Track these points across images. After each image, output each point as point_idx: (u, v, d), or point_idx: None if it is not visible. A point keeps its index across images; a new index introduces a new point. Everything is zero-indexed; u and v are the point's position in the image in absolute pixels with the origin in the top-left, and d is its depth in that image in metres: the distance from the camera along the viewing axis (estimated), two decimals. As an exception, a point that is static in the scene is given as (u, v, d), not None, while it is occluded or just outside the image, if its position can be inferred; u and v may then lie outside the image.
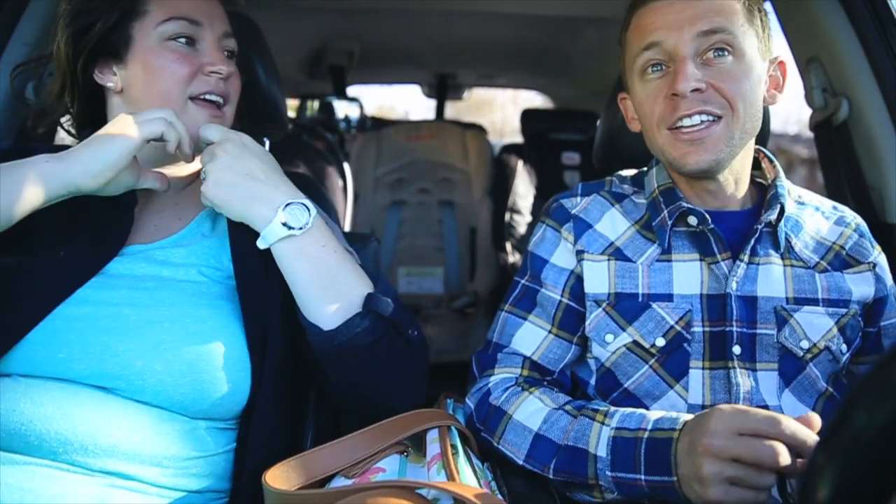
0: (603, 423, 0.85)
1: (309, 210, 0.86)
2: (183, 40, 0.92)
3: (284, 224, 0.84)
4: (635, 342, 0.93)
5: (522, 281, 1.03)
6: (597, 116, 3.24)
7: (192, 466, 0.83)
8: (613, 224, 1.00)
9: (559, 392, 0.97)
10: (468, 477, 0.74)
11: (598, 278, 0.96)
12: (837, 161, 1.35)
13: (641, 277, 0.95)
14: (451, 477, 0.72)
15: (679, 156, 0.91)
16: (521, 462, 0.89)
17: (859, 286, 0.96)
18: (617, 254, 0.97)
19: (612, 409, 0.88)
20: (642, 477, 0.80)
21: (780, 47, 1.32)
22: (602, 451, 0.83)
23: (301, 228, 0.85)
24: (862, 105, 1.27)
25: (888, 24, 1.22)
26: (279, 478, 0.76)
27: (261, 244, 0.85)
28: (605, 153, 1.33)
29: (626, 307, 0.94)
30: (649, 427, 0.81)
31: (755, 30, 0.91)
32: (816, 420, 0.71)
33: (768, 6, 1.41)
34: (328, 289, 0.85)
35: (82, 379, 0.79)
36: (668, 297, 0.93)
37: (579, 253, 0.98)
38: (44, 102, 0.98)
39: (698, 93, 0.88)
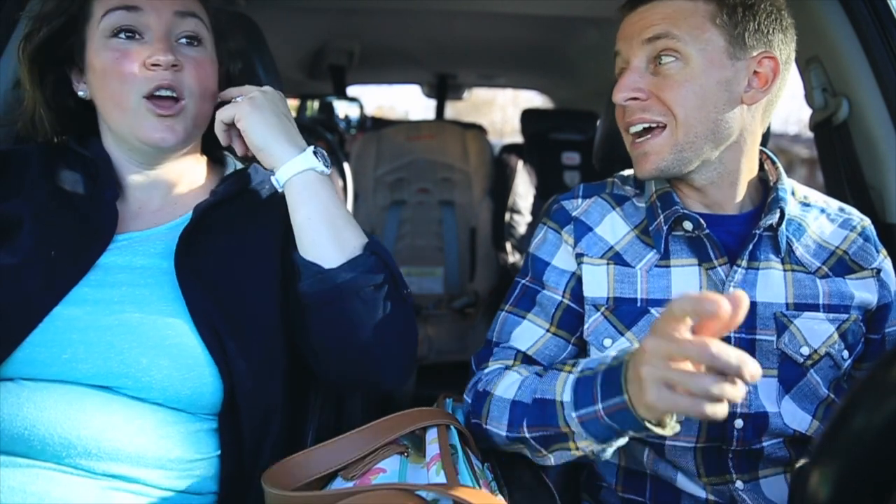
0: (570, 372, 0.83)
1: (328, 160, 0.90)
2: (124, 35, 0.86)
3: (306, 160, 0.87)
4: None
5: (523, 281, 1.03)
6: (597, 116, 3.23)
7: (195, 468, 0.83)
8: (613, 228, 0.99)
9: (540, 368, 0.96)
10: (466, 477, 0.74)
11: (597, 282, 0.96)
12: (837, 161, 1.35)
13: (640, 283, 0.94)
14: (449, 477, 0.72)
15: (635, 164, 0.96)
16: (504, 435, 0.87)
17: (861, 292, 0.95)
18: (616, 258, 0.97)
19: (581, 360, 0.85)
20: (599, 406, 0.76)
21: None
22: (567, 396, 0.80)
23: (320, 170, 0.88)
24: (862, 105, 1.27)
25: (888, 24, 1.22)
26: (278, 477, 0.76)
27: (281, 177, 0.87)
28: (605, 153, 1.33)
29: (625, 312, 0.94)
30: (608, 361, 0.78)
31: (724, 30, 0.89)
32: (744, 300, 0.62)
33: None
34: (335, 230, 0.86)
35: (87, 379, 0.78)
36: (667, 303, 0.93)
37: (579, 256, 0.98)
38: (24, 112, 0.94)
39: (638, 101, 0.91)
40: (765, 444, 0.92)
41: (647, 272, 0.95)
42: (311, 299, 0.84)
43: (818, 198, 1.03)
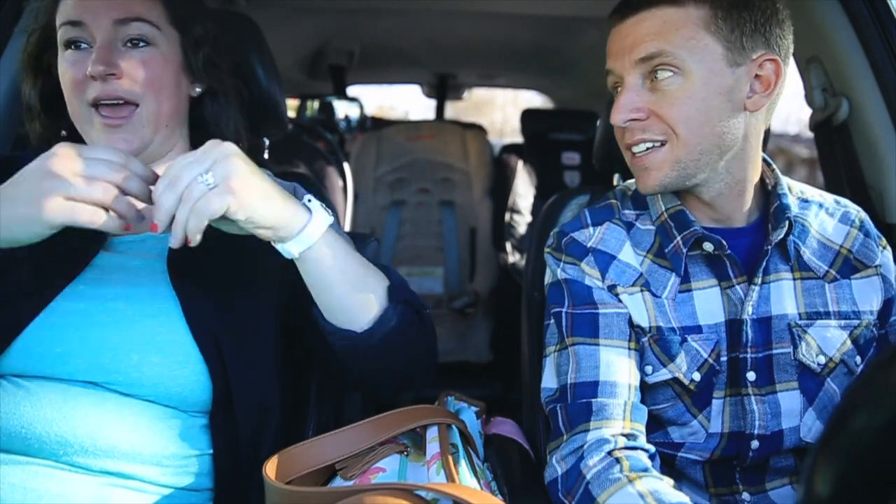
0: None
1: (324, 205, 0.79)
2: (73, 46, 0.88)
3: (324, 219, 0.76)
4: (675, 379, 0.89)
5: (564, 310, 0.92)
6: (597, 116, 3.23)
7: (191, 464, 0.83)
8: (634, 255, 0.94)
9: (665, 483, 0.80)
10: (467, 477, 0.74)
11: (638, 310, 0.91)
12: (837, 161, 1.35)
13: (670, 311, 0.90)
14: (449, 477, 0.72)
15: (637, 179, 0.91)
16: None
17: (868, 294, 0.93)
18: (646, 286, 0.91)
19: None
20: None
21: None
22: None
23: (329, 224, 0.77)
24: (862, 105, 1.27)
25: (888, 24, 1.22)
26: (278, 467, 0.76)
27: (294, 250, 0.75)
28: (605, 153, 1.33)
29: (668, 342, 0.90)
30: None
31: (720, 36, 0.83)
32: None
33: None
34: (359, 288, 0.80)
35: (78, 375, 0.79)
36: (698, 329, 0.89)
37: (612, 287, 0.91)
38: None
39: (638, 121, 0.86)
40: (772, 456, 0.91)
41: (673, 300, 0.91)
42: (342, 354, 0.84)
43: (813, 193, 1.01)
